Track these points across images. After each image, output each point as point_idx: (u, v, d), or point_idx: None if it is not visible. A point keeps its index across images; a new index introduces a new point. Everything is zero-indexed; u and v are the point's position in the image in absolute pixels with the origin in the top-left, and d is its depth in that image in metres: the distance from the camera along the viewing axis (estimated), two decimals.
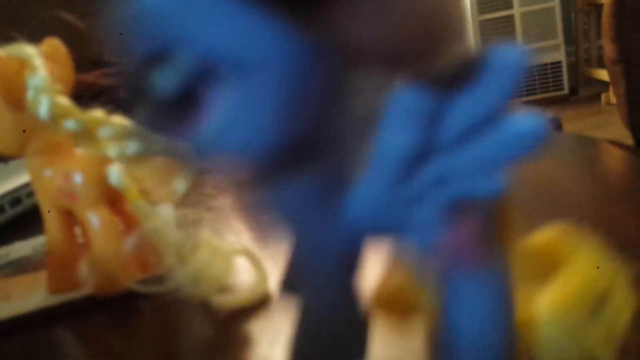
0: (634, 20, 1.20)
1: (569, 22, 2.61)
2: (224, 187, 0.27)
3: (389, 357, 0.23)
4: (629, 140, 1.35)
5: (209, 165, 0.15)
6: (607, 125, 1.94)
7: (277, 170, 0.15)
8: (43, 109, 0.32)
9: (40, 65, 0.34)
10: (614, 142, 0.47)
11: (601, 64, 2.25)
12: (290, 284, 0.20)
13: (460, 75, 0.14)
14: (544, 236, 0.21)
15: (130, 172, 0.35)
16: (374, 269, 0.19)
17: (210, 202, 0.50)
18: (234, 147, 0.14)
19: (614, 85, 1.34)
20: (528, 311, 0.18)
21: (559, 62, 2.55)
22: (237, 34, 0.13)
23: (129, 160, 0.34)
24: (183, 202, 0.36)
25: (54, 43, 0.36)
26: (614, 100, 1.59)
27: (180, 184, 0.35)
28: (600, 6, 1.66)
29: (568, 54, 2.58)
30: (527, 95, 2.54)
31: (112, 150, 0.33)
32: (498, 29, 2.50)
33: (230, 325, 0.30)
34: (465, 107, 0.14)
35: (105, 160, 0.34)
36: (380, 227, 0.16)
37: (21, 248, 0.49)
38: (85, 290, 0.36)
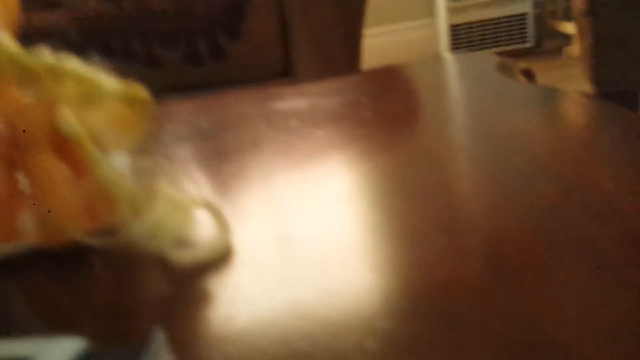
0: None
1: None
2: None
3: None
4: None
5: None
6: (573, 78, 1.97)
7: None
8: None
9: None
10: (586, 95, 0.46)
11: (567, 17, 2.25)
12: None
13: None
14: None
15: (81, 117, 0.32)
16: None
17: (168, 151, 0.48)
18: None
19: (581, 38, 1.34)
20: None
21: (525, 14, 2.55)
22: None
23: (80, 104, 0.31)
24: (139, 150, 0.34)
25: None
26: (577, 53, 1.60)
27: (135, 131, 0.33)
28: None
29: (534, 5, 2.58)
30: (492, 47, 2.54)
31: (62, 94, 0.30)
32: None
33: (188, 282, 0.29)
34: None
35: (52, 104, 0.32)
36: None
37: None
38: (29, 240, 0.34)
